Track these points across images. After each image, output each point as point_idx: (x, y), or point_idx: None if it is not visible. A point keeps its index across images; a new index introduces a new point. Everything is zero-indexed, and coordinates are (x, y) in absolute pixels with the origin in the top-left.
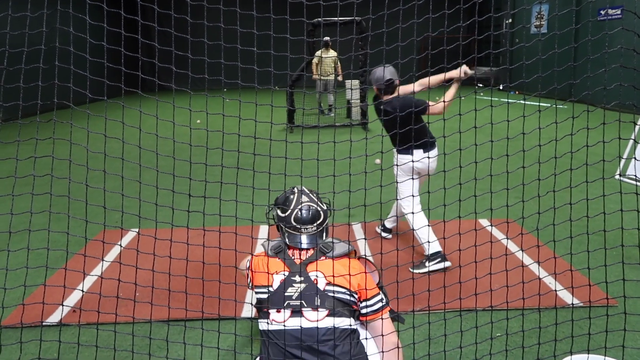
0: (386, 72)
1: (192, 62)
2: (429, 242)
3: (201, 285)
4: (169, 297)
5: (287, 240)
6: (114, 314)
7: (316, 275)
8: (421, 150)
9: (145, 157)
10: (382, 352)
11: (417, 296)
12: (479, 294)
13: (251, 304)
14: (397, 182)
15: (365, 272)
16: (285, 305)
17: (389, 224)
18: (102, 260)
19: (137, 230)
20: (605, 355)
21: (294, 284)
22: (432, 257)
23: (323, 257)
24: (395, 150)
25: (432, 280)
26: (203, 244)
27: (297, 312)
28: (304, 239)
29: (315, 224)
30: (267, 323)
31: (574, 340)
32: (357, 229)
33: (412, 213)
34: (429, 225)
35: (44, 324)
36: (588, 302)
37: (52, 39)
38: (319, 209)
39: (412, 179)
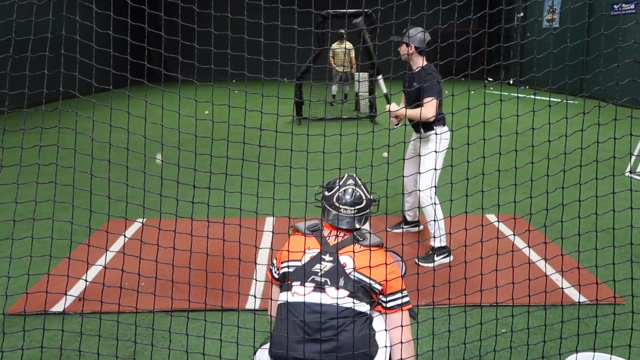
0: (426, 34)
1: (199, 52)
2: (442, 235)
3: (204, 277)
4: (172, 288)
5: (325, 217)
6: (117, 304)
7: (345, 260)
8: (444, 127)
9: (151, 148)
10: (391, 346)
11: (421, 291)
12: (485, 290)
13: (254, 295)
14: (435, 169)
15: (392, 263)
16: (310, 279)
17: (410, 217)
18: (107, 250)
19: (141, 220)
20: (611, 354)
21: (322, 262)
22: (440, 250)
23: (356, 244)
24: (435, 129)
25: (437, 275)
26: (207, 235)
27: (319, 287)
28: (341, 220)
29: (355, 208)
30: (288, 295)
31: (579, 338)
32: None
33: (436, 204)
34: (435, 221)
35: (47, 312)
36: (595, 300)
37: (58, 28)
38: (362, 194)
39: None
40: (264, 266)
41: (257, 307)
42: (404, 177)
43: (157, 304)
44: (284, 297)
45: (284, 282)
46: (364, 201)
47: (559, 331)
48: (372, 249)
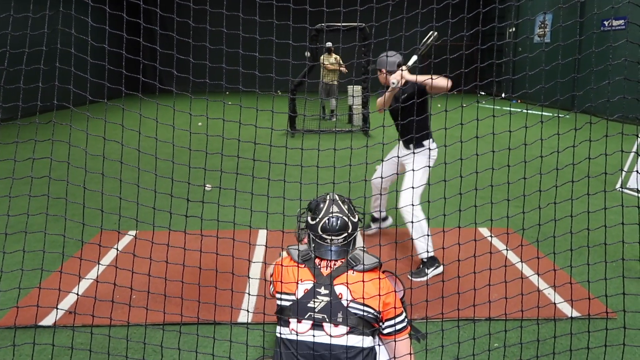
0: (396, 57)
1: (194, 66)
2: (428, 251)
3: (197, 290)
4: (164, 301)
5: (313, 249)
6: (108, 317)
7: (341, 290)
8: (431, 139)
9: (145, 160)
10: None
11: (415, 306)
12: (478, 305)
13: (247, 310)
14: (418, 186)
15: (390, 291)
16: (307, 316)
17: (377, 214)
18: (98, 263)
19: (134, 233)
20: None
21: (318, 296)
22: (429, 262)
23: (351, 271)
24: (425, 144)
25: (430, 289)
26: (200, 248)
27: (318, 325)
28: (329, 249)
29: (342, 236)
30: (286, 332)
31: (572, 353)
32: (357, 237)
33: (420, 219)
34: (428, 235)
35: (38, 326)
36: (587, 315)
37: (53, 40)
38: (348, 220)
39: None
40: (257, 280)
41: (249, 321)
42: (382, 178)
43: (149, 317)
44: (282, 331)
45: (281, 314)
46: (350, 227)
47: (552, 346)
48: (367, 274)
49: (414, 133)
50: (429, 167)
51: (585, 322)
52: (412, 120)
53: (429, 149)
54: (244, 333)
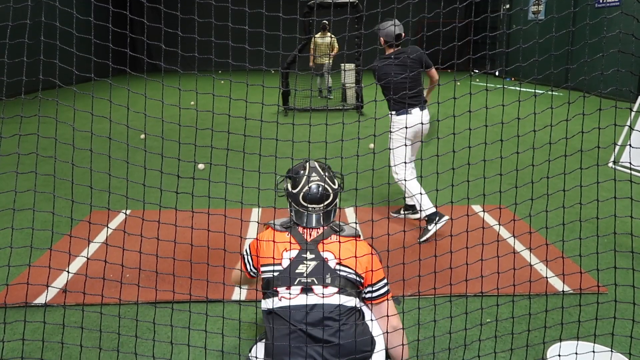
0: (397, 28)
1: (182, 41)
2: (424, 204)
3: (189, 268)
4: (156, 279)
5: (294, 218)
6: (100, 295)
7: (327, 255)
8: (418, 108)
9: (134, 138)
10: (387, 332)
11: (407, 281)
12: (470, 280)
13: (239, 286)
14: (390, 149)
15: (373, 254)
16: (296, 282)
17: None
18: (90, 241)
19: (125, 211)
20: (594, 343)
21: (304, 261)
22: (431, 218)
23: (334, 235)
24: (392, 114)
25: (422, 265)
26: (192, 226)
27: (307, 289)
28: (311, 219)
29: (323, 204)
30: (275, 301)
31: (563, 327)
32: (350, 212)
33: (405, 180)
34: (422, 194)
35: (29, 305)
36: (578, 289)
37: (37, 14)
38: (329, 188)
39: (405, 145)
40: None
41: (242, 299)
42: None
43: (142, 295)
44: (269, 304)
45: (267, 289)
46: (331, 194)
47: (543, 320)
48: (349, 239)
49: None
50: (390, 132)
51: (576, 296)
52: (421, 87)
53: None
54: (237, 310)
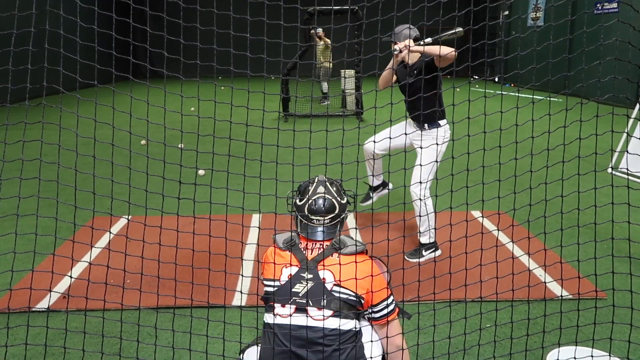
0: (412, 31)
1: (184, 48)
2: (433, 228)
3: (191, 273)
4: (158, 284)
5: (299, 229)
6: (102, 300)
7: (325, 275)
8: (445, 120)
9: (136, 144)
10: (387, 353)
11: (407, 286)
12: (469, 285)
13: (240, 291)
14: (422, 165)
15: (372, 275)
16: (291, 301)
17: (377, 181)
18: (92, 247)
19: (127, 217)
20: (592, 347)
21: (302, 281)
22: (429, 246)
23: (335, 254)
24: (439, 124)
25: (422, 270)
26: (193, 231)
27: (301, 309)
28: (315, 230)
29: (328, 216)
30: (272, 316)
31: (562, 332)
32: (349, 218)
33: (426, 198)
34: (433, 213)
35: (32, 310)
36: (577, 294)
37: (42, 22)
38: (335, 201)
39: (437, 161)
40: (251, 262)
41: (243, 304)
42: (374, 142)
43: (143, 300)
44: (268, 318)
45: (266, 302)
46: (337, 208)
47: (542, 325)
48: (350, 257)
49: (421, 110)
50: (437, 144)
51: (574, 301)
52: (419, 97)
53: (437, 128)
54: (238, 315)
